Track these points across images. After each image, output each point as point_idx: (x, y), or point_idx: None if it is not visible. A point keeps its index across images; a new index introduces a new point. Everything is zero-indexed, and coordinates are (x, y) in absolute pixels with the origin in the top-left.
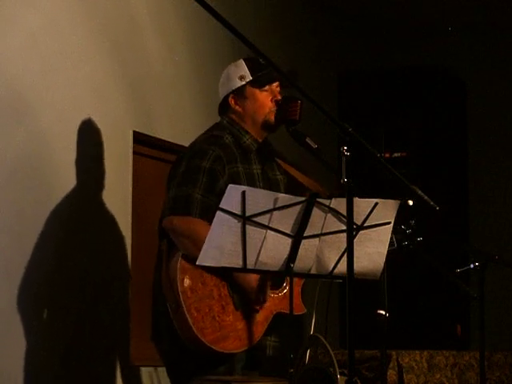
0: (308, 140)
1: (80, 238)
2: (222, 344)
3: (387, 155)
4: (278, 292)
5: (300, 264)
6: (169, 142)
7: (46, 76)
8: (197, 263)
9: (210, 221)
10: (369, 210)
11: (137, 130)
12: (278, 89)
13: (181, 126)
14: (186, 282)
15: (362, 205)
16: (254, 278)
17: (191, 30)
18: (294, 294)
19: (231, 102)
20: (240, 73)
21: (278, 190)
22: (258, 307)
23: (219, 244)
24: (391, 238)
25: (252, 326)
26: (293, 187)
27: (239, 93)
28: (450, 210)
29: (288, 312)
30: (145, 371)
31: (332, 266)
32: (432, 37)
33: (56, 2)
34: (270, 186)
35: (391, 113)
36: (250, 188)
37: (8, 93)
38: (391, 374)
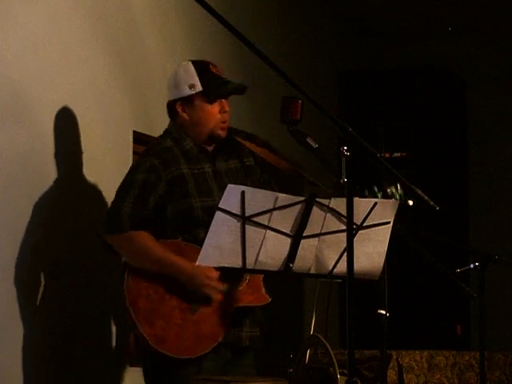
0: (309, 140)
1: (80, 238)
2: (184, 350)
3: (387, 155)
4: (237, 286)
5: (299, 264)
6: None
7: (46, 76)
8: (197, 263)
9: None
10: (368, 210)
11: (137, 130)
12: (226, 102)
13: None
14: (135, 298)
15: (362, 205)
16: (198, 274)
17: (191, 30)
18: (255, 287)
19: (178, 108)
20: (190, 81)
21: (242, 178)
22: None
23: (218, 244)
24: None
25: (213, 325)
26: (270, 169)
27: (187, 101)
28: (450, 210)
29: (249, 305)
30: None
31: (331, 266)
32: (432, 37)
33: (56, 2)
34: (231, 177)
35: (391, 113)
36: (249, 188)
37: (8, 93)
38: (391, 373)
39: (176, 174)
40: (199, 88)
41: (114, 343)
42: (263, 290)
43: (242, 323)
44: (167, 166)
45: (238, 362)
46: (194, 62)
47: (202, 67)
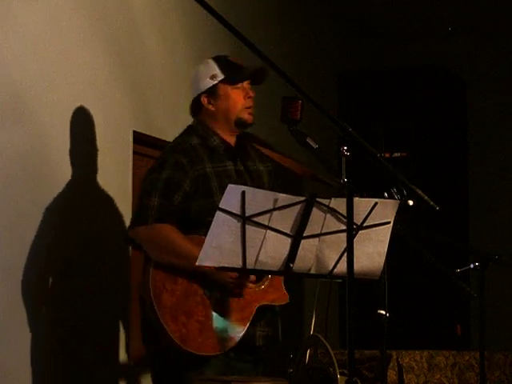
0: (309, 140)
1: (80, 238)
2: (205, 347)
3: (387, 155)
4: (259, 285)
5: (299, 264)
6: (169, 142)
7: (45, 76)
8: (196, 263)
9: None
10: (368, 210)
11: (137, 130)
12: (249, 85)
13: (181, 126)
14: (160, 293)
15: (362, 205)
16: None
17: (191, 30)
18: (276, 285)
19: (204, 101)
20: (211, 72)
21: (261, 180)
22: (236, 298)
23: (219, 244)
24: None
25: (235, 322)
26: (285, 173)
27: (212, 92)
28: (450, 209)
29: (271, 304)
30: (144, 371)
31: (332, 266)
32: (432, 37)
33: (56, 2)
34: (250, 178)
35: (391, 113)
36: (250, 188)
37: (8, 93)
38: (391, 373)
39: (201, 173)
40: (221, 76)
41: (119, 343)
42: (284, 289)
43: (257, 322)
44: (193, 165)
45: (248, 360)
46: (213, 57)
47: (221, 59)
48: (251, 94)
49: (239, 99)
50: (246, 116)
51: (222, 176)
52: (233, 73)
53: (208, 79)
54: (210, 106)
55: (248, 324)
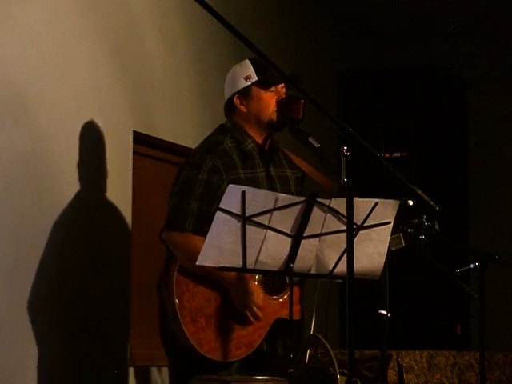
0: (311, 139)
1: (80, 238)
2: (218, 353)
3: (387, 155)
4: (278, 298)
5: (300, 264)
6: (169, 142)
7: (45, 76)
8: (196, 263)
9: (206, 233)
10: (369, 210)
11: (137, 130)
12: (284, 90)
13: (181, 126)
14: (182, 294)
15: (362, 205)
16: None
17: (191, 31)
18: (294, 300)
19: (236, 102)
20: (246, 73)
21: (288, 187)
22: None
23: (219, 244)
24: (399, 237)
25: (251, 333)
26: (310, 181)
27: (244, 93)
28: (450, 209)
29: (287, 318)
30: (145, 371)
31: (332, 266)
32: (432, 37)
33: (56, 2)
34: (280, 184)
35: (391, 113)
36: (250, 188)
37: (8, 93)
38: (391, 373)
39: (236, 178)
40: (255, 78)
41: (115, 346)
42: (299, 307)
43: (274, 333)
44: (228, 169)
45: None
46: (250, 58)
47: (257, 61)
48: (284, 96)
49: (271, 102)
50: (275, 119)
51: (252, 182)
52: (267, 75)
53: (242, 79)
54: (242, 107)
55: (264, 335)
